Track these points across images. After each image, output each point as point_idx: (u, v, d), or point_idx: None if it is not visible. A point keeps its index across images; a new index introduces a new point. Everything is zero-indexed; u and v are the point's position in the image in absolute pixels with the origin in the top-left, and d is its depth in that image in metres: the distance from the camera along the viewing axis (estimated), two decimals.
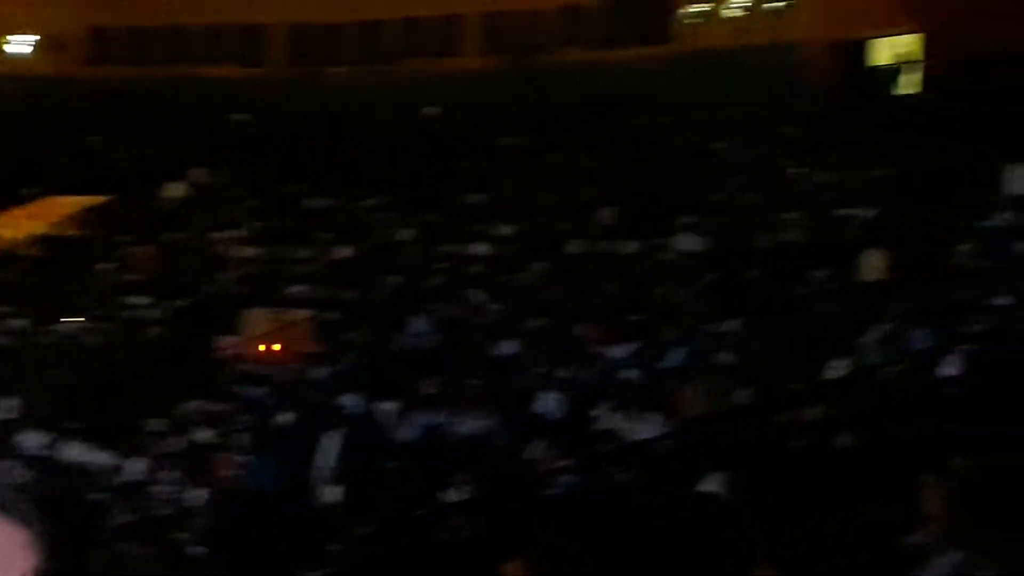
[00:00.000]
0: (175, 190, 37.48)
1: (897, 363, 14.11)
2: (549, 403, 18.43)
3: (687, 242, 25.85)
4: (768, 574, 8.49)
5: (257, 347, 27.30)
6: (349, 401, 21.64)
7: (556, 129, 34.83)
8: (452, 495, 16.06)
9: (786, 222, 24.60)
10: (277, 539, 17.53)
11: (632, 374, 18.80)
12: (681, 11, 36.24)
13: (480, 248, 29.89)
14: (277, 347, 27.15)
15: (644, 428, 16.05)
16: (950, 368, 12.75)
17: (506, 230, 30.41)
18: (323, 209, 35.04)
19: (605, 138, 33.86)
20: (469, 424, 18.74)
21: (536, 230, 29.83)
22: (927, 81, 31.05)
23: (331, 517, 17.28)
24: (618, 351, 20.20)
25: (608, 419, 17.08)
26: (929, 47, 31.81)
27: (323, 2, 41.59)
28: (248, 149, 39.08)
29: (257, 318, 28.23)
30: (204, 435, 22.86)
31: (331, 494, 17.59)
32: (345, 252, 31.99)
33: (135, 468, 22.17)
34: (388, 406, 20.38)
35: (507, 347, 22.49)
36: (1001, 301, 15.36)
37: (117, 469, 22.54)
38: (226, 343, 27.96)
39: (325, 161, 37.56)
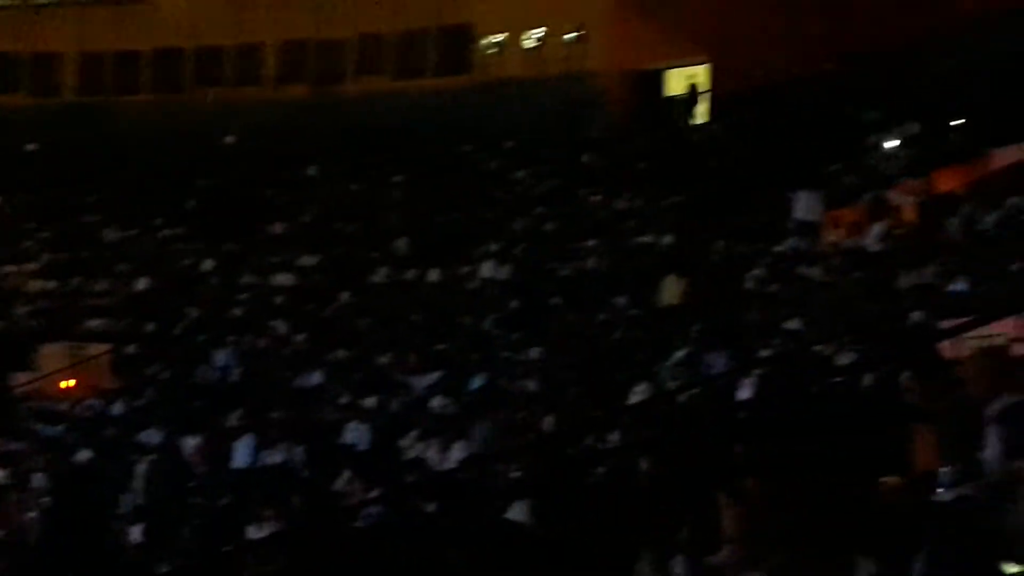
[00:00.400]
0: None
1: (694, 387, 14.54)
2: (355, 434, 18.41)
3: (489, 270, 26.13)
4: None
5: (53, 383, 26.60)
6: (150, 437, 21.28)
7: (357, 158, 34.85)
8: (258, 530, 15.92)
9: (585, 250, 25.07)
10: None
11: (437, 403, 18.91)
12: (479, 42, 36.65)
13: (283, 278, 29.70)
14: (74, 383, 26.51)
15: (450, 457, 16.17)
16: (745, 391, 13.21)
17: (309, 260, 30.29)
18: (120, 240, 34.35)
19: (406, 167, 34.01)
20: (275, 456, 18.60)
21: (339, 260, 29.78)
22: (717, 110, 32.01)
23: (134, 556, 16.95)
24: (423, 380, 20.30)
25: (415, 448, 17.15)
26: (718, 77, 32.82)
27: (117, 30, 40.82)
28: (41, 179, 38.08)
29: (53, 353, 27.53)
30: None
31: (133, 532, 17.25)
32: (143, 284, 31.43)
33: None
34: (191, 440, 20.09)
35: (312, 378, 22.40)
36: (791, 325, 15.95)
37: None
38: (21, 379, 27.18)
39: (121, 191, 36.84)
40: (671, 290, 19.29)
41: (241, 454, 18.00)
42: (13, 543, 18.83)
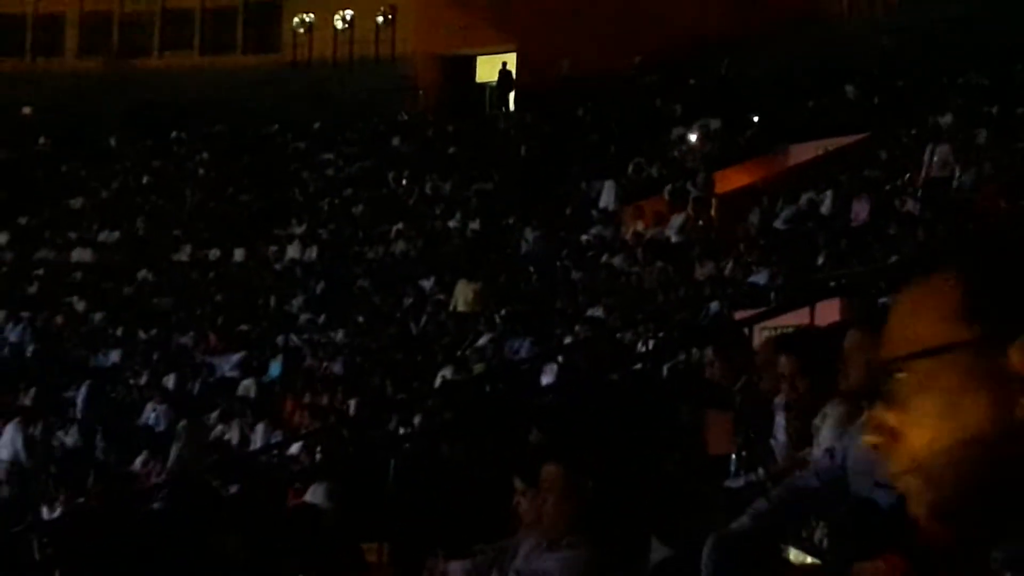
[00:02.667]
0: None
1: (499, 372, 14.68)
2: (154, 414, 18.11)
3: (295, 251, 25.94)
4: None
5: None
6: None
7: (159, 134, 34.19)
8: (50, 511, 15.55)
9: (393, 233, 25.06)
10: None
11: (239, 384, 18.71)
12: (289, 21, 36.27)
13: (81, 254, 28.96)
14: None
15: (251, 438, 16.03)
16: (547, 377, 13.41)
17: (109, 236, 29.60)
18: None
19: (211, 145, 33.50)
20: (69, 437, 18.18)
21: (141, 236, 29.19)
22: (524, 99, 32.31)
23: None
24: (225, 360, 20.06)
25: (215, 430, 16.95)
26: (526, 66, 33.13)
27: None
28: None
29: None
30: None
31: None
32: None
33: None
34: None
35: (109, 357, 21.93)
36: (593, 312, 16.22)
37: None
38: None
39: None
40: (464, 295, 19.37)
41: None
42: None
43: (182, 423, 16.26)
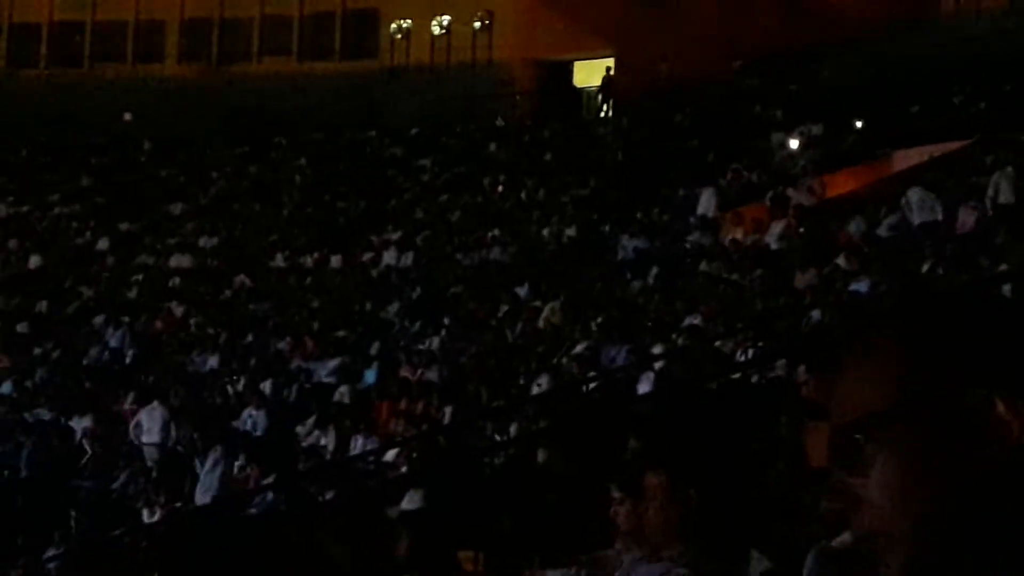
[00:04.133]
0: None
1: (595, 380, 14.54)
2: (251, 420, 18.19)
3: (391, 258, 25.97)
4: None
5: None
6: (39, 416, 20.88)
7: (257, 140, 34.49)
8: (152, 515, 15.70)
9: (488, 240, 25.00)
10: None
11: (336, 390, 18.74)
12: (387, 27, 36.44)
13: (180, 260, 29.28)
14: None
15: (348, 445, 16.03)
16: (644, 385, 13.24)
17: (207, 242, 29.89)
18: (13, 216, 33.69)
19: (309, 151, 33.73)
20: (169, 441, 18.33)
21: (239, 242, 29.43)
22: (622, 104, 32.13)
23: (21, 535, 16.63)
24: (322, 366, 20.11)
25: (311, 435, 16.99)
26: (623, 71, 32.94)
27: (15, 2, 40.00)
28: None
29: None
30: None
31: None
32: (36, 261, 30.83)
33: None
34: (81, 422, 19.74)
35: (208, 362, 22.09)
36: (691, 320, 16.01)
37: None
38: None
39: (16, 167, 36.12)
40: (550, 314, 19.20)
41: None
42: None
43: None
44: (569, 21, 33.04)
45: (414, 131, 33.37)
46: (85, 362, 23.97)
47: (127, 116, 37.37)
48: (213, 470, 15.85)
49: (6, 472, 18.78)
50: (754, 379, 12.10)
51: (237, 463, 16.54)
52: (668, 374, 13.33)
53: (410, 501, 11.09)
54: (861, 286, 14.81)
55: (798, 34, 29.48)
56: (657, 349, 15.01)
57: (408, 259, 25.70)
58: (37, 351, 25.14)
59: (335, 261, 27.08)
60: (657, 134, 27.89)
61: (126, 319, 25.35)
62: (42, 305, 28.15)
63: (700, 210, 22.42)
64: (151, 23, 39.29)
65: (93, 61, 39.60)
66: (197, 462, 16.69)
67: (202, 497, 15.55)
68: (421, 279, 23.95)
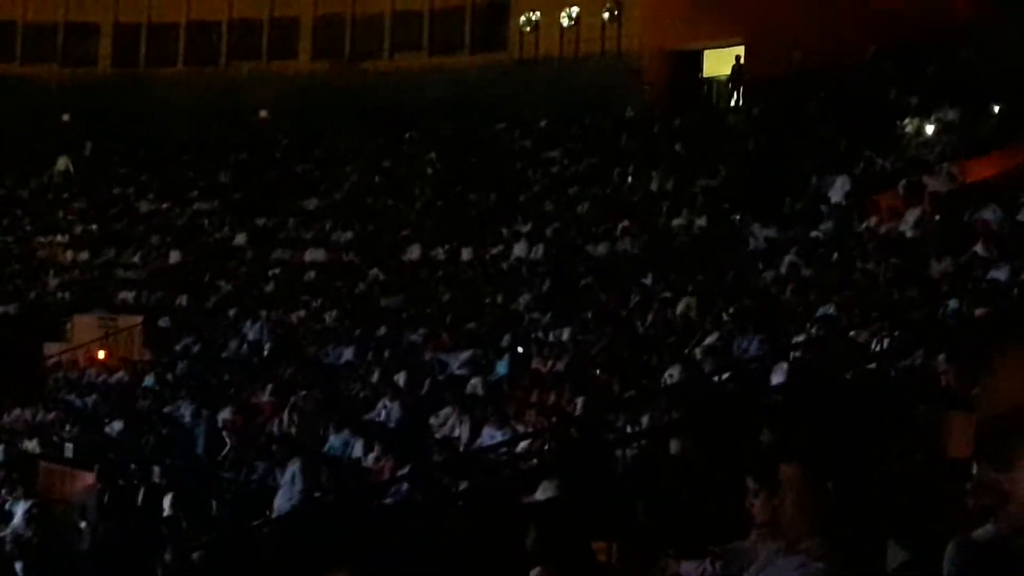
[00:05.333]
0: (61, 164, 37.08)
1: (727, 371, 14.46)
2: (385, 411, 18.42)
3: (522, 250, 26.08)
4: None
5: (85, 354, 26.79)
6: (180, 409, 21.37)
7: (391, 134, 34.85)
8: (287, 504, 15.97)
9: (619, 231, 24.97)
10: (107, 550, 17.23)
11: (468, 381, 18.89)
12: (516, 20, 36.54)
13: (315, 254, 29.74)
14: (105, 354, 26.69)
15: (480, 436, 16.16)
16: (778, 376, 13.13)
17: (341, 236, 30.32)
18: (154, 212, 34.50)
19: (439, 144, 33.99)
20: (306, 432, 18.63)
21: (372, 236, 29.79)
22: (752, 93, 31.82)
23: (164, 528, 17.03)
24: (454, 358, 20.28)
25: (444, 427, 17.15)
26: (754, 59, 32.62)
27: (152, 2, 40.91)
28: (75, 150, 38.28)
29: (85, 324, 27.72)
30: (30, 444, 22.39)
31: (164, 504, 17.33)
32: (176, 257, 31.55)
33: None
34: (221, 414, 20.17)
35: (342, 354, 22.43)
36: (824, 310, 15.83)
37: None
38: (53, 350, 27.39)
39: (155, 164, 36.99)
40: (685, 307, 19.10)
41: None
42: (42, 513, 18.96)
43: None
44: (698, 10, 32.81)
45: (543, 123, 33.43)
46: (224, 355, 24.50)
47: (263, 113, 38.03)
48: (293, 483, 15.99)
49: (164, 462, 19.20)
50: (890, 369, 11.93)
51: (372, 454, 16.76)
52: (802, 364, 13.20)
53: (544, 491, 11.13)
54: (1000, 274, 14.52)
55: (934, 16, 28.90)
56: (791, 339, 14.87)
57: (538, 251, 25.79)
58: (178, 345, 25.77)
59: (466, 254, 27.28)
60: (789, 122, 27.57)
61: (263, 312, 25.84)
62: (182, 299, 28.85)
63: (833, 198, 22.14)
64: (285, 21, 39.91)
65: (229, 59, 40.36)
66: (277, 472, 16.85)
67: (283, 506, 15.71)
68: (551, 271, 24.01)
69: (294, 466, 16.22)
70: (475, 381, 18.75)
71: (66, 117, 39.42)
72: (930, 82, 26.49)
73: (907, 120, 24.69)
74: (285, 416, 18.76)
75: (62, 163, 37.76)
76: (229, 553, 14.89)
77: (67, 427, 22.60)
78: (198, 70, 39.97)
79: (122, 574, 16.39)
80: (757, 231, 21.95)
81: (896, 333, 13.18)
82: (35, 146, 38.06)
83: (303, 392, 18.96)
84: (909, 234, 19.04)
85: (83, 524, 17.81)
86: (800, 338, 14.61)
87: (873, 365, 12.41)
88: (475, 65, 36.75)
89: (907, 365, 11.80)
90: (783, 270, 19.28)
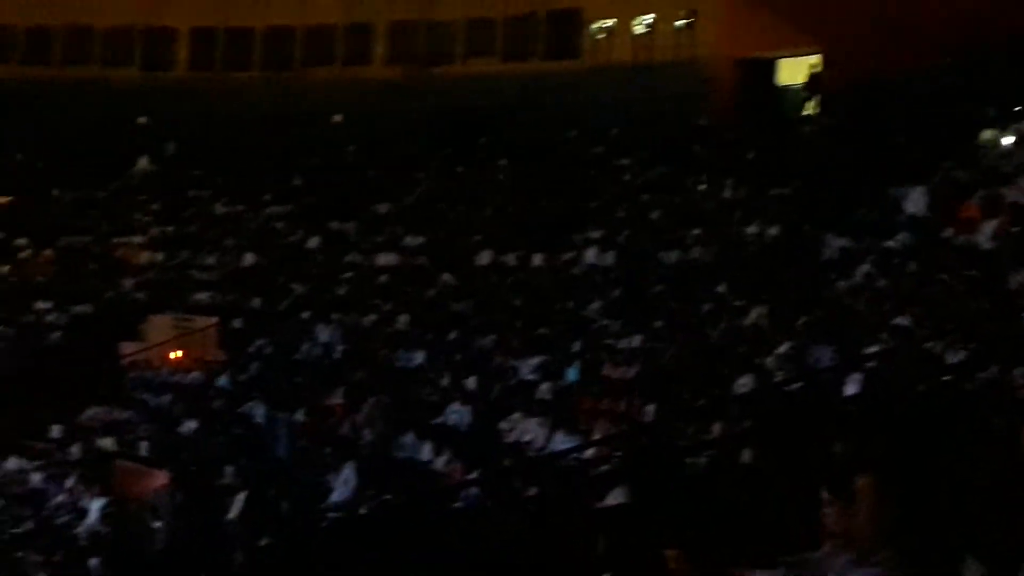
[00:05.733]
0: (142, 164, 37.66)
1: (800, 380, 14.40)
2: (456, 415, 18.51)
3: (593, 256, 26.08)
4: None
5: (160, 354, 27.09)
6: (253, 410, 21.58)
7: (463, 140, 34.96)
8: (360, 507, 16.10)
9: (690, 239, 24.91)
10: (178, 548, 17.43)
11: (538, 387, 18.94)
12: (588, 27, 36.54)
13: (387, 258, 29.90)
14: (180, 354, 26.97)
15: (551, 441, 16.19)
16: (851, 386, 13.06)
17: (413, 241, 30.47)
18: (228, 215, 34.84)
19: (511, 151, 34.05)
20: (375, 435, 18.77)
21: (444, 241, 29.91)
22: (827, 102, 31.62)
23: (233, 527, 17.22)
24: (525, 364, 20.33)
25: (515, 431, 17.20)
26: (829, 68, 32.41)
27: (230, 6, 41.34)
28: (152, 153, 38.76)
29: (160, 325, 28.03)
30: (105, 442, 22.67)
31: (233, 504, 17.52)
32: (250, 259, 31.84)
33: (34, 475, 21.93)
34: (293, 415, 20.36)
35: (414, 358, 22.55)
36: (899, 321, 15.73)
37: (16, 476, 22.26)
38: (128, 349, 27.71)
39: (230, 167, 37.33)
40: (756, 317, 19.03)
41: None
42: (117, 510, 19.23)
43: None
44: (774, 18, 32.66)
45: (615, 130, 33.41)
46: (297, 357, 24.70)
47: (336, 118, 38.29)
48: (345, 485, 16.08)
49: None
50: (966, 381, 11.84)
51: (442, 458, 16.86)
52: (876, 375, 13.12)
53: (614, 498, 11.16)
54: None
55: (1012, 26, 28.56)
56: (864, 350, 14.78)
57: (609, 258, 25.79)
58: (251, 346, 26.01)
59: (537, 259, 27.32)
60: (864, 132, 27.37)
61: (336, 316, 26.02)
62: (256, 301, 29.09)
63: (910, 209, 21.96)
64: (359, 26, 40.17)
65: (304, 64, 40.71)
66: (329, 478, 16.94)
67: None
68: (622, 278, 24.00)
69: (348, 469, 16.34)
70: (545, 387, 18.79)
71: (143, 120, 39.90)
72: (1008, 93, 26.19)
73: (985, 131, 24.43)
74: (358, 419, 18.90)
75: (143, 163, 38.27)
76: (298, 553, 15.03)
77: (142, 426, 22.89)
78: (273, 75, 40.34)
79: (194, 573, 16.58)
80: (831, 241, 21.82)
81: (972, 345, 13.07)
82: (112, 149, 38.57)
83: (373, 398, 19.08)
84: (986, 246, 18.86)
85: (157, 524, 18.03)
86: (874, 349, 14.53)
87: (948, 377, 12.31)
88: (547, 71, 36.78)
89: (983, 378, 11.69)
90: (857, 280, 19.16)
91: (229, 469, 18.59)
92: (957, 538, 5.98)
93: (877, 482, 5.11)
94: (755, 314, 18.94)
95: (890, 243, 20.71)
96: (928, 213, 21.51)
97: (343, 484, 16.37)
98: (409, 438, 17.89)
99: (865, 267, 19.50)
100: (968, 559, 5.85)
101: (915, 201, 22.01)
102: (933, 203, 21.78)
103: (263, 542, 16.19)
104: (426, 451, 17.35)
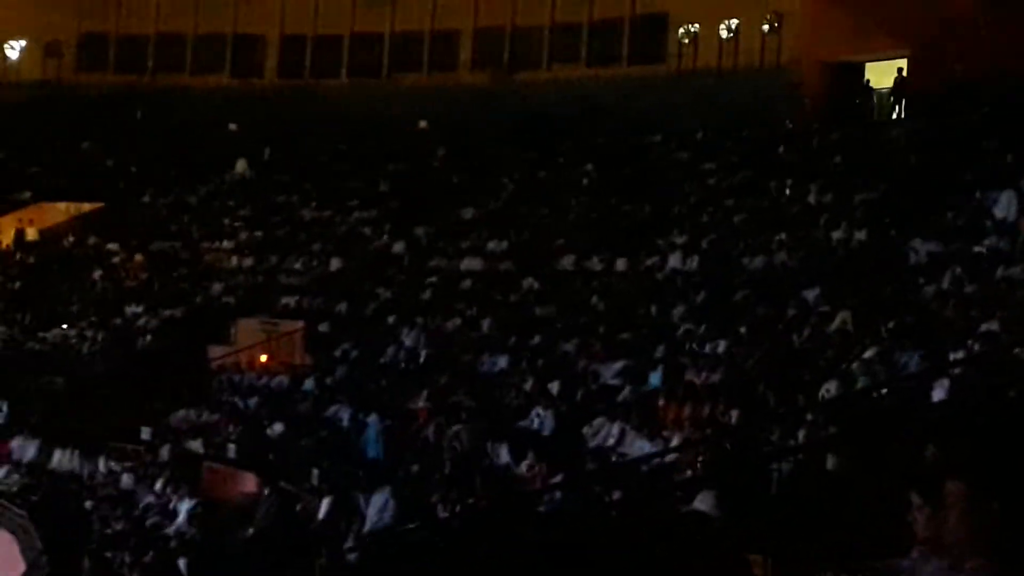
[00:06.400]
0: (240, 166, 38.32)
1: (886, 386, 14.27)
2: (538, 419, 18.54)
3: (677, 261, 26.00)
4: None
5: (248, 357, 27.42)
6: (339, 413, 21.77)
7: (548, 145, 35.02)
8: (442, 509, 16.17)
9: (775, 243, 24.75)
10: (265, 550, 17.61)
11: (621, 392, 18.91)
12: (675, 31, 36.46)
13: (471, 263, 30.02)
14: (267, 358, 27.29)
15: (634, 446, 16.18)
16: (939, 392, 12.92)
17: (497, 245, 30.56)
18: (315, 220, 35.18)
19: (597, 155, 34.05)
20: (457, 442, 18.83)
21: (527, 246, 29.97)
22: (916, 105, 31.29)
23: (319, 530, 17.37)
24: (607, 368, 20.31)
25: (597, 436, 17.20)
26: (918, 70, 32.08)
27: (318, 14, 41.77)
28: (255, 155, 39.24)
29: (248, 329, 28.37)
30: (194, 444, 22.99)
31: (320, 506, 17.68)
32: (336, 264, 32.12)
33: (124, 476, 22.29)
34: (371, 418, 20.50)
35: (497, 362, 22.61)
36: (988, 326, 15.53)
37: (106, 477, 22.65)
38: (217, 353, 28.07)
39: (317, 173, 37.71)
40: (842, 320, 18.84)
41: None
42: (205, 511, 19.48)
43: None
44: (861, 21, 32.38)
45: (700, 135, 33.30)
46: (382, 361, 24.87)
47: (423, 123, 38.54)
48: (383, 511, 16.04)
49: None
50: None
51: (526, 462, 16.89)
52: (964, 381, 12.97)
53: (701, 502, 11.13)
54: None
55: None
56: (951, 356, 14.61)
57: (693, 263, 25.69)
58: (337, 350, 26.23)
59: (621, 264, 27.29)
60: (952, 136, 27.05)
61: (420, 320, 26.16)
62: (342, 306, 29.35)
63: (999, 213, 21.67)
64: (446, 32, 40.41)
65: (391, 70, 41.01)
66: (361, 500, 16.93)
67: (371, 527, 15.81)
68: (706, 283, 23.89)
69: (384, 493, 16.25)
70: (628, 391, 18.76)
71: (233, 127, 40.44)
72: None
73: None
74: (447, 437, 18.89)
75: (241, 166, 38.80)
76: (383, 556, 15.13)
77: (230, 428, 23.17)
78: (361, 81, 40.69)
79: (281, 574, 16.75)
80: (918, 245, 21.59)
81: None
82: (203, 154, 39.12)
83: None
84: None
85: (249, 530, 18.20)
86: (961, 354, 14.36)
87: None
88: (633, 76, 36.75)
89: None
90: (945, 285, 18.94)
91: (315, 472, 18.78)
92: None
93: (968, 487, 5.05)
94: (839, 319, 18.78)
95: (978, 248, 20.45)
96: (1018, 217, 21.21)
97: (379, 510, 16.32)
98: (492, 444, 17.96)
99: (953, 272, 19.26)
100: None
101: (1004, 205, 21.71)
102: (1022, 207, 21.48)
103: (347, 545, 16.31)
104: (507, 455, 17.40)
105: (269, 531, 17.57)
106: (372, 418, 20.24)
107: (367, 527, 16.21)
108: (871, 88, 34.06)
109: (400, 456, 19.41)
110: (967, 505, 4.87)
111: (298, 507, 18.35)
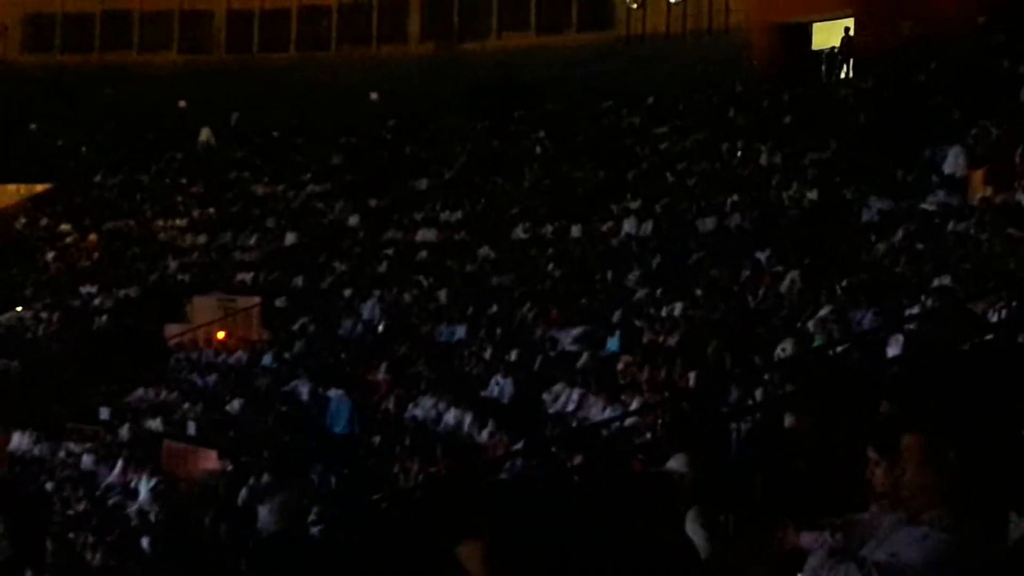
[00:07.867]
0: (204, 135, 37.94)
1: (841, 344, 14.40)
2: (498, 387, 18.61)
3: (631, 226, 26.10)
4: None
5: (205, 335, 27.34)
6: (297, 388, 21.76)
7: (499, 114, 35.01)
8: (404, 480, 16.23)
9: (728, 206, 24.89)
10: (226, 528, 17.60)
11: (579, 357, 19.00)
12: None
13: (426, 234, 30.02)
14: (224, 334, 27.21)
15: (592, 411, 16.28)
16: (893, 348, 13.06)
17: (452, 215, 30.57)
18: (269, 195, 35.05)
19: (549, 123, 34.08)
20: (419, 409, 18.90)
21: (482, 215, 30.00)
22: (862, 65, 31.47)
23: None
24: (565, 334, 20.40)
25: (557, 402, 17.29)
26: (864, 31, 32.24)
27: None
28: (190, 136, 39.00)
29: (204, 306, 28.27)
30: (153, 423, 22.93)
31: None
32: (291, 238, 32.04)
33: (84, 457, 22.20)
34: (335, 392, 20.49)
35: (455, 332, 22.66)
36: (940, 281, 15.69)
37: (67, 458, 22.56)
38: (173, 331, 27.97)
39: (269, 148, 37.54)
40: (790, 281, 18.97)
41: None
42: (165, 490, 19.45)
43: None
44: None
45: (651, 100, 33.37)
46: (339, 334, 24.86)
47: (373, 96, 38.41)
48: (273, 497, 15.57)
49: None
50: (1009, 339, 11.82)
51: (487, 430, 16.96)
52: (918, 336, 13.11)
53: (675, 463, 11.22)
54: None
55: None
56: (905, 312, 14.77)
57: (648, 227, 25.80)
58: (295, 324, 26.20)
59: (575, 231, 27.37)
60: (900, 94, 27.24)
61: (377, 292, 26.16)
62: (298, 280, 29.30)
63: (947, 169, 21.87)
64: (393, 4, 40.25)
65: (339, 43, 40.82)
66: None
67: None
68: (661, 246, 24.01)
69: (281, 496, 15.93)
70: (586, 356, 18.86)
71: (182, 103, 40.15)
72: None
73: (1022, 90, 24.26)
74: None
75: (205, 134, 38.54)
76: (351, 529, 15.17)
77: (188, 406, 23.13)
78: (310, 54, 40.49)
79: (245, 550, 16.76)
80: (870, 203, 21.76)
81: (1014, 303, 13.04)
82: (153, 132, 38.84)
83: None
84: None
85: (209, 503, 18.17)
86: (915, 310, 14.51)
87: (991, 336, 12.30)
88: (582, 43, 36.75)
89: None
90: (896, 242, 19.11)
91: (276, 448, 18.76)
92: (1004, 495, 6.00)
93: (924, 439, 5.12)
94: (788, 279, 18.93)
95: (928, 204, 20.64)
96: (965, 172, 21.42)
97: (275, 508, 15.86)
98: (452, 412, 18.02)
99: (905, 229, 19.44)
100: (1013, 516, 5.89)
101: (952, 161, 21.91)
102: (971, 162, 21.69)
103: (314, 519, 16.33)
104: (466, 423, 17.47)
105: (228, 506, 17.54)
106: (335, 392, 20.19)
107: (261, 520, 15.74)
108: (819, 49, 34.22)
109: (363, 428, 19.45)
110: (923, 457, 4.95)
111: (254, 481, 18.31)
